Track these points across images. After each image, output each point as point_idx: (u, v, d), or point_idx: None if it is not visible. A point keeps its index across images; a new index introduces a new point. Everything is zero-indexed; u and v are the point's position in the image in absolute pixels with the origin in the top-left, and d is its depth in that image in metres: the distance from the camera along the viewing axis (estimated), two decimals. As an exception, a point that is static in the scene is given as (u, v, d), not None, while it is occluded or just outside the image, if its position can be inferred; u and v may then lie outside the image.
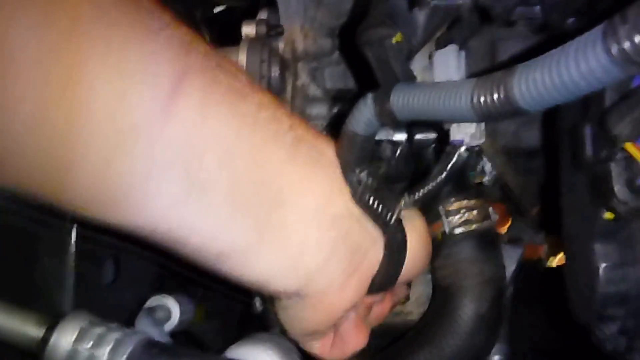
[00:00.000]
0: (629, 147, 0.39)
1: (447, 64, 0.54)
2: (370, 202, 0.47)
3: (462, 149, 0.50)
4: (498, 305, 0.74)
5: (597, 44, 0.33)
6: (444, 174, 0.50)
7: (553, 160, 0.56)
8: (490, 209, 0.74)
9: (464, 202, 0.71)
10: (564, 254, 0.58)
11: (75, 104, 0.33)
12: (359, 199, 0.46)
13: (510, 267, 0.80)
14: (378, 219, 0.47)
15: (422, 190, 0.50)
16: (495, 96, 0.39)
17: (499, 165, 0.78)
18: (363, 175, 0.48)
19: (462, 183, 0.72)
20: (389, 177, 0.54)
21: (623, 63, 0.32)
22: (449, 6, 0.41)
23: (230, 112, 0.39)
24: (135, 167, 0.36)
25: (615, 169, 0.42)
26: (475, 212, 0.71)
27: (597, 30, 0.33)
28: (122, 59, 0.35)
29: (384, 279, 0.50)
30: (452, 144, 0.49)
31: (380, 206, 0.47)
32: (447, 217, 0.70)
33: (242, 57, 0.64)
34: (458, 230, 0.70)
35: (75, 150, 0.34)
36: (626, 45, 0.32)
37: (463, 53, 0.54)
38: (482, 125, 0.47)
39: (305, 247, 0.44)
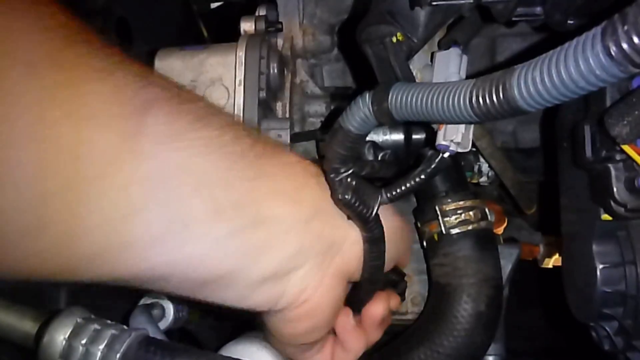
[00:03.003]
0: (628, 149, 0.39)
1: (449, 66, 0.54)
2: (352, 201, 0.47)
3: (446, 154, 0.50)
4: (495, 303, 0.74)
5: (597, 43, 0.33)
6: (423, 177, 0.50)
7: (552, 160, 0.56)
8: (487, 209, 0.74)
9: (461, 203, 0.71)
10: (563, 252, 0.58)
11: (41, 158, 0.32)
12: (341, 198, 0.47)
13: (507, 267, 0.80)
14: (358, 216, 0.48)
15: (399, 190, 0.50)
16: (494, 96, 0.39)
17: (497, 165, 0.78)
18: (346, 175, 0.48)
19: (459, 183, 0.72)
20: (370, 177, 0.55)
21: (622, 63, 0.32)
22: (451, 5, 0.41)
23: (196, 139, 0.39)
24: (111, 215, 0.35)
25: (614, 170, 0.42)
26: (471, 212, 0.70)
27: (597, 30, 0.33)
28: (83, 104, 0.33)
29: (371, 270, 0.50)
30: (437, 148, 0.49)
31: (360, 204, 0.47)
32: (443, 217, 0.70)
33: (240, 54, 0.63)
34: (454, 231, 0.70)
35: (45, 211, 0.32)
36: (625, 45, 0.31)
37: (466, 58, 0.54)
38: (470, 133, 0.47)
39: (286, 260, 0.44)
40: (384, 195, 0.49)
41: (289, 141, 0.63)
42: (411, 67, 0.58)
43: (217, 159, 0.40)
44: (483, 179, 0.80)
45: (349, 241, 0.48)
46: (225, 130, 0.41)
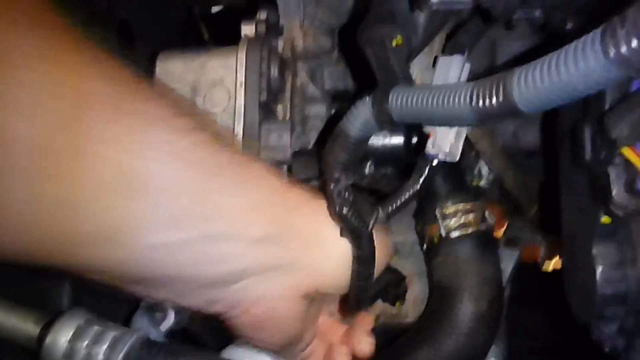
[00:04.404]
0: (627, 151, 0.39)
1: (450, 72, 0.55)
2: (349, 216, 0.46)
3: (435, 162, 0.50)
4: (496, 304, 0.75)
5: (596, 46, 0.33)
6: (417, 187, 0.50)
7: (552, 160, 0.56)
8: (487, 211, 0.74)
9: (461, 205, 0.71)
10: (563, 253, 0.58)
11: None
12: (338, 212, 0.46)
13: (507, 269, 0.80)
14: (353, 232, 0.47)
15: (394, 204, 0.50)
16: (494, 98, 0.39)
17: (498, 166, 0.78)
18: (345, 188, 0.48)
19: (459, 186, 0.73)
20: (370, 188, 0.55)
21: (621, 65, 0.32)
22: (451, 8, 0.41)
23: (145, 142, 0.37)
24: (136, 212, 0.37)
25: (614, 172, 0.42)
26: (471, 215, 0.71)
27: (596, 33, 0.33)
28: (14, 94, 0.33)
29: (358, 289, 0.50)
30: (426, 157, 0.49)
31: (357, 220, 0.47)
32: (443, 220, 0.70)
33: (241, 56, 0.64)
34: (455, 234, 0.70)
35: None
36: (624, 48, 0.32)
37: (468, 65, 0.54)
38: (460, 142, 0.47)
39: (225, 274, 0.42)
40: (381, 212, 0.49)
41: (289, 143, 0.64)
42: (412, 69, 0.58)
43: (166, 164, 0.38)
44: (483, 181, 0.80)
45: (324, 261, 0.46)
46: (184, 135, 0.39)
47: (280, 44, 0.71)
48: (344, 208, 0.48)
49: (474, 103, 0.41)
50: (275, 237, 0.43)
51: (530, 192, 0.81)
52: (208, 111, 0.63)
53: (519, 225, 0.91)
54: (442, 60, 0.58)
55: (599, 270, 0.47)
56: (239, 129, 0.62)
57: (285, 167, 0.70)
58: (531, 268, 0.88)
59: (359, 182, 0.54)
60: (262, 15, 0.70)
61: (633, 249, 0.46)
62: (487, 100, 0.40)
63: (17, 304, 0.49)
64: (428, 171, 0.56)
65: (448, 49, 0.58)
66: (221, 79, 0.64)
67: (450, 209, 0.71)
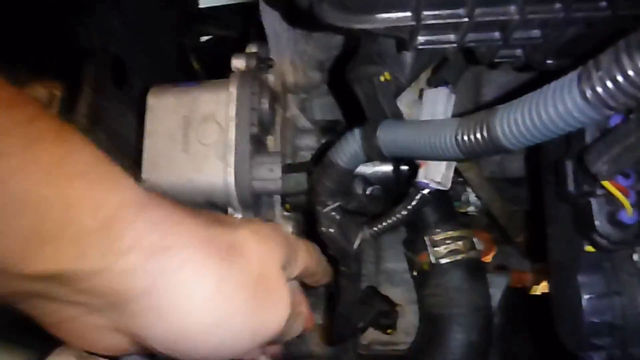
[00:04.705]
0: (607, 185, 0.40)
1: (436, 105, 0.57)
2: (335, 235, 0.48)
3: (426, 191, 0.51)
4: (486, 332, 0.75)
5: (573, 87, 0.35)
6: (404, 213, 0.52)
7: (537, 190, 0.58)
8: (476, 238, 0.75)
9: (450, 233, 0.72)
10: (550, 282, 0.59)
11: None
12: (325, 231, 0.47)
13: (496, 295, 0.81)
14: (339, 250, 0.49)
15: (380, 225, 0.52)
16: (479, 135, 0.41)
17: (485, 195, 0.79)
18: (332, 209, 0.49)
19: (448, 214, 0.74)
20: (355, 211, 0.56)
21: (597, 106, 0.34)
22: (436, 49, 0.43)
23: None
24: None
25: (596, 204, 0.44)
26: (461, 242, 0.72)
27: (573, 75, 0.35)
28: None
29: (345, 309, 0.50)
30: (417, 185, 0.51)
31: (343, 239, 0.48)
32: (433, 247, 0.71)
33: (232, 90, 0.65)
34: (444, 261, 0.71)
35: None
36: (600, 89, 0.33)
37: (453, 96, 0.56)
38: (451, 172, 0.49)
39: None
40: (366, 232, 0.50)
41: (280, 175, 0.64)
42: (400, 102, 0.59)
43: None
44: (471, 208, 0.81)
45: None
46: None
47: (271, 77, 0.72)
48: (330, 229, 0.49)
49: (459, 139, 0.42)
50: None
51: (517, 219, 0.82)
52: (200, 144, 0.64)
53: (507, 251, 0.92)
54: (429, 93, 0.59)
55: (585, 299, 0.48)
56: (231, 162, 0.63)
57: (277, 197, 0.71)
58: (520, 293, 0.89)
59: (345, 206, 0.55)
60: (253, 48, 0.72)
61: (618, 279, 0.47)
62: (472, 137, 0.41)
63: (6, 342, 0.49)
64: (418, 199, 0.57)
65: (434, 81, 0.60)
66: (213, 113, 0.65)
67: (439, 236, 0.72)
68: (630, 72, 0.32)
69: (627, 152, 0.39)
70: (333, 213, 0.52)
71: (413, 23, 0.40)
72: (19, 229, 0.32)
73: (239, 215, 0.65)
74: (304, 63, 0.73)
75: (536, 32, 0.41)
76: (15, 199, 0.32)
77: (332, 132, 0.73)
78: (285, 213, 0.69)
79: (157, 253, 0.34)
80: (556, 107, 0.35)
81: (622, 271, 0.47)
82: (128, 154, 0.73)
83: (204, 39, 1.26)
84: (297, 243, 0.46)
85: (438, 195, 0.68)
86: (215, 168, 0.63)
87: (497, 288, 0.83)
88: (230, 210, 0.65)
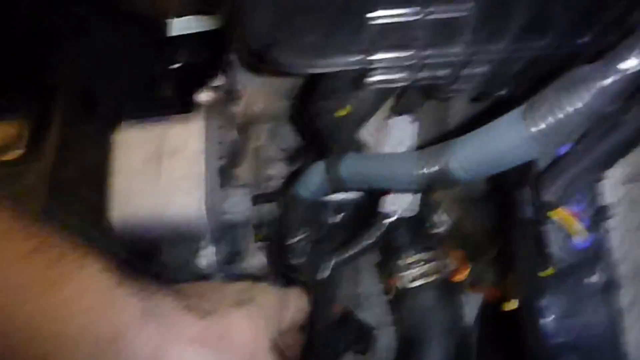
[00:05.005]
0: (558, 213, 0.42)
1: (400, 133, 0.58)
2: (302, 265, 0.49)
3: (393, 219, 0.53)
4: (463, 351, 0.76)
5: (518, 124, 0.36)
6: (371, 241, 0.53)
7: (500, 212, 0.59)
8: (449, 258, 0.76)
9: (422, 255, 0.73)
10: (518, 302, 0.60)
11: None
12: (293, 263, 0.49)
13: (471, 313, 0.82)
14: (307, 280, 0.50)
15: (347, 253, 0.53)
16: (435, 168, 0.42)
17: (455, 213, 0.81)
18: (299, 240, 0.50)
19: (419, 235, 0.75)
20: (324, 239, 0.57)
21: (541, 141, 0.35)
22: (388, 87, 0.44)
23: None
24: None
25: (551, 230, 0.45)
26: (432, 263, 0.73)
27: (518, 112, 0.37)
28: None
29: (317, 336, 0.52)
30: (383, 213, 0.52)
31: (310, 269, 0.49)
32: (405, 270, 0.72)
33: (200, 124, 0.65)
34: (416, 283, 0.72)
35: None
36: (542, 126, 0.35)
37: (417, 124, 0.58)
38: (418, 198, 0.50)
39: None
40: (335, 261, 0.51)
41: (249, 205, 0.65)
42: (364, 130, 0.61)
43: None
44: (442, 228, 0.82)
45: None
46: None
47: (238, 108, 0.73)
48: (299, 260, 0.49)
49: (416, 172, 0.43)
50: None
51: (489, 234, 0.84)
52: (170, 178, 0.64)
53: (481, 267, 0.93)
54: (392, 122, 0.61)
55: (548, 322, 0.49)
56: (201, 195, 0.63)
57: (249, 228, 0.71)
58: (496, 309, 0.90)
59: (316, 234, 0.56)
60: (219, 80, 0.73)
61: (577, 300, 0.48)
62: (429, 170, 0.43)
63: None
64: (386, 226, 0.58)
65: (398, 109, 0.61)
66: (180, 148, 0.65)
67: (411, 259, 0.73)
68: (570, 109, 0.33)
69: (575, 180, 0.41)
70: (302, 243, 0.53)
71: (364, 65, 0.42)
72: None
73: (212, 248, 0.66)
74: (271, 92, 0.74)
75: (483, 69, 0.43)
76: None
77: (301, 159, 0.74)
78: (257, 243, 0.70)
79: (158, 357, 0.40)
80: (504, 143, 0.37)
81: (582, 292, 0.49)
82: (98, 186, 0.73)
83: (175, 66, 1.26)
84: (288, 302, 0.50)
85: (409, 218, 0.69)
86: (185, 202, 0.64)
87: (472, 305, 0.84)
88: (202, 243, 0.66)
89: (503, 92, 0.50)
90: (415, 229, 0.75)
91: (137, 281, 0.42)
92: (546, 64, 0.44)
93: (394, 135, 0.59)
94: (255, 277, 0.72)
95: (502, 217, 0.56)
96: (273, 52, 0.40)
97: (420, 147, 0.62)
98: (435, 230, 0.83)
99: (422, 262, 0.72)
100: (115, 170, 0.66)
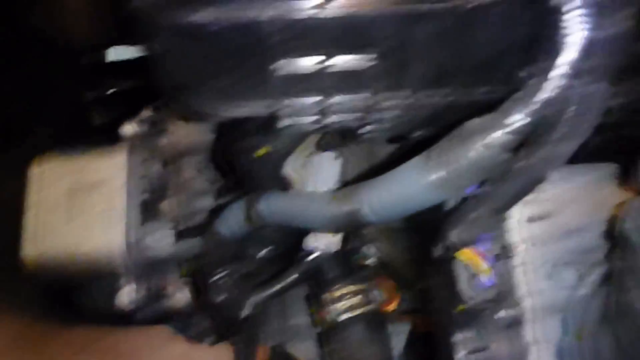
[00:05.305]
0: (464, 253, 0.44)
1: (323, 169, 0.59)
2: (223, 304, 0.49)
3: (315, 255, 0.53)
4: (392, 382, 0.77)
5: (419, 171, 0.38)
6: (294, 277, 0.53)
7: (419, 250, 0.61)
8: (377, 289, 0.77)
9: (349, 288, 0.74)
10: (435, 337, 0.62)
11: None
12: (212, 301, 0.48)
13: (400, 343, 0.83)
14: (228, 318, 0.50)
15: (272, 289, 0.53)
16: (348, 210, 0.43)
17: (384, 245, 0.82)
18: (220, 277, 0.50)
19: (346, 269, 0.76)
20: (249, 275, 0.57)
21: (440, 187, 0.37)
22: (298, 131, 0.45)
23: None
24: None
25: (460, 268, 0.47)
26: (360, 296, 0.74)
27: (419, 159, 0.39)
28: None
29: None
30: (306, 249, 0.53)
31: (231, 307, 0.49)
32: (332, 304, 0.72)
33: (123, 158, 0.64)
34: (344, 316, 0.72)
35: None
36: (441, 173, 0.37)
37: (340, 160, 0.59)
38: (339, 235, 0.51)
39: None
40: (257, 297, 0.51)
41: (174, 240, 0.64)
42: (287, 167, 0.61)
43: None
44: (371, 260, 0.84)
45: None
46: None
47: (165, 140, 0.72)
48: (220, 297, 0.49)
49: (330, 213, 0.44)
50: None
51: (415, 268, 0.86)
52: (88, 213, 0.62)
53: (410, 297, 0.95)
54: (315, 158, 0.62)
55: (460, 355, 0.50)
56: (121, 230, 0.62)
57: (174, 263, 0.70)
58: (425, 338, 0.92)
59: (239, 270, 0.55)
60: (146, 113, 0.72)
61: (488, 334, 0.50)
62: (341, 211, 0.43)
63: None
64: (309, 262, 0.59)
65: (321, 146, 0.62)
66: (101, 181, 0.63)
67: (338, 292, 0.73)
68: (463, 159, 0.35)
69: (478, 222, 0.43)
70: (223, 280, 0.53)
71: (274, 111, 0.42)
72: None
73: (133, 286, 0.64)
74: (199, 125, 0.74)
75: (391, 113, 0.45)
76: None
77: (228, 191, 0.74)
78: (183, 279, 0.68)
79: None
80: (407, 189, 0.38)
81: (491, 328, 0.51)
82: (12, 222, 0.69)
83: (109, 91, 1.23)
84: None
85: (336, 252, 0.70)
86: (104, 237, 0.62)
87: (401, 335, 0.85)
88: (122, 280, 0.64)
89: (417, 135, 0.52)
90: (344, 261, 0.76)
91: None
92: (459, 108, 0.46)
93: (318, 172, 0.59)
94: (180, 314, 0.70)
95: (420, 254, 0.58)
96: (183, 97, 0.40)
97: (346, 183, 0.63)
98: (365, 262, 0.84)
99: (351, 294, 0.73)
100: (31, 205, 0.63)
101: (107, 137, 0.72)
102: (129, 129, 0.68)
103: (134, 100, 0.76)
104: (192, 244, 0.67)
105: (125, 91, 1.19)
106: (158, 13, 0.35)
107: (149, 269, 0.64)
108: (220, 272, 0.53)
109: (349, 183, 0.59)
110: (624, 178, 0.47)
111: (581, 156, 0.50)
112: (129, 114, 0.74)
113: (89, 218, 0.62)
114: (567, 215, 0.50)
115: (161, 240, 0.64)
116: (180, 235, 0.66)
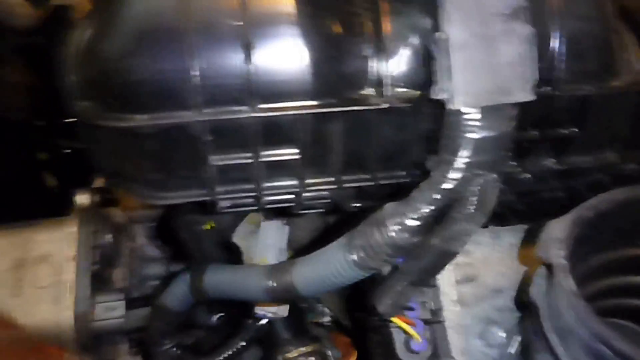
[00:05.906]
0: (395, 320, 0.46)
1: (270, 237, 0.62)
2: None
3: (264, 321, 0.55)
4: None
5: (341, 252, 0.41)
6: (243, 344, 0.55)
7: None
8: (331, 349, 0.78)
9: (302, 349, 0.74)
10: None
11: None
12: None
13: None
14: None
15: (220, 357, 0.54)
16: (281, 283, 0.45)
17: (334, 306, 0.84)
18: (168, 348, 0.51)
19: (300, 329, 0.77)
20: (198, 343, 0.58)
21: (361, 267, 0.40)
22: (239, 211, 0.48)
23: None
24: None
25: (395, 333, 0.50)
26: (313, 357, 0.75)
27: (341, 241, 0.42)
28: None
29: None
30: (255, 315, 0.54)
31: None
32: (287, 366, 0.73)
33: (73, 229, 0.65)
34: (300, 378, 0.73)
35: None
36: (361, 254, 0.40)
37: (287, 228, 0.62)
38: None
39: None
40: None
41: (123, 312, 0.64)
42: (236, 235, 0.63)
43: None
44: (326, 318, 0.85)
45: None
46: None
47: (117, 211, 0.73)
48: None
49: (265, 286, 0.46)
50: None
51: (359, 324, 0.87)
52: (34, 287, 0.62)
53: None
54: (263, 226, 0.65)
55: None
56: (69, 304, 0.62)
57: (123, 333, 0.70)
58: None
59: (186, 340, 0.56)
60: (99, 182, 0.73)
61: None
62: (275, 284, 0.46)
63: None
64: (258, 327, 0.60)
65: (267, 215, 0.65)
66: (49, 254, 0.64)
67: (292, 354, 0.74)
68: (379, 241, 0.39)
69: (404, 293, 0.45)
70: (170, 351, 0.53)
71: (211, 197, 0.45)
72: None
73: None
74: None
75: (322, 194, 0.48)
76: None
77: (180, 260, 0.75)
78: (132, 349, 0.68)
79: None
80: (331, 268, 0.41)
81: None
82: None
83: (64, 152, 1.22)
84: None
85: (289, 313, 0.71)
86: (50, 312, 0.62)
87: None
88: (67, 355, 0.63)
89: (354, 206, 0.55)
90: (295, 323, 0.77)
91: None
92: (381, 186, 0.50)
93: (264, 240, 0.62)
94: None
95: (361, 319, 0.60)
96: (121, 185, 0.42)
97: (294, 250, 0.66)
98: (319, 320, 0.86)
99: (303, 357, 0.74)
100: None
101: (59, 201, 0.73)
102: (82, 199, 0.69)
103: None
104: (142, 314, 0.67)
105: (80, 150, 1.19)
106: (96, 118, 0.37)
107: (97, 341, 0.64)
108: (163, 345, 0.54)
109: (297, 250, 0.62)
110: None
111: (510, 218, 0.55)
112: (83, 176, 0.75)
113: (35, 292, 0.62)
114: (493, 276, 0.53)
115: (110, 311, 0.64)
116: (130, 304, 0.66)
